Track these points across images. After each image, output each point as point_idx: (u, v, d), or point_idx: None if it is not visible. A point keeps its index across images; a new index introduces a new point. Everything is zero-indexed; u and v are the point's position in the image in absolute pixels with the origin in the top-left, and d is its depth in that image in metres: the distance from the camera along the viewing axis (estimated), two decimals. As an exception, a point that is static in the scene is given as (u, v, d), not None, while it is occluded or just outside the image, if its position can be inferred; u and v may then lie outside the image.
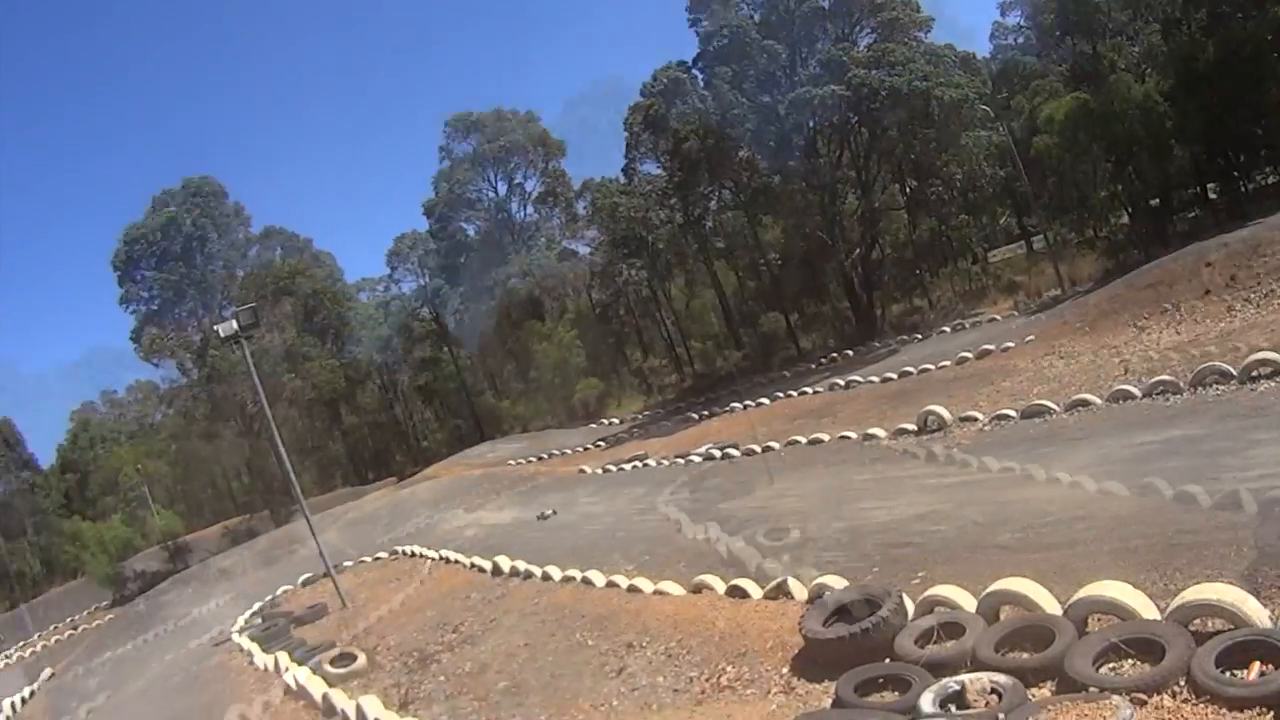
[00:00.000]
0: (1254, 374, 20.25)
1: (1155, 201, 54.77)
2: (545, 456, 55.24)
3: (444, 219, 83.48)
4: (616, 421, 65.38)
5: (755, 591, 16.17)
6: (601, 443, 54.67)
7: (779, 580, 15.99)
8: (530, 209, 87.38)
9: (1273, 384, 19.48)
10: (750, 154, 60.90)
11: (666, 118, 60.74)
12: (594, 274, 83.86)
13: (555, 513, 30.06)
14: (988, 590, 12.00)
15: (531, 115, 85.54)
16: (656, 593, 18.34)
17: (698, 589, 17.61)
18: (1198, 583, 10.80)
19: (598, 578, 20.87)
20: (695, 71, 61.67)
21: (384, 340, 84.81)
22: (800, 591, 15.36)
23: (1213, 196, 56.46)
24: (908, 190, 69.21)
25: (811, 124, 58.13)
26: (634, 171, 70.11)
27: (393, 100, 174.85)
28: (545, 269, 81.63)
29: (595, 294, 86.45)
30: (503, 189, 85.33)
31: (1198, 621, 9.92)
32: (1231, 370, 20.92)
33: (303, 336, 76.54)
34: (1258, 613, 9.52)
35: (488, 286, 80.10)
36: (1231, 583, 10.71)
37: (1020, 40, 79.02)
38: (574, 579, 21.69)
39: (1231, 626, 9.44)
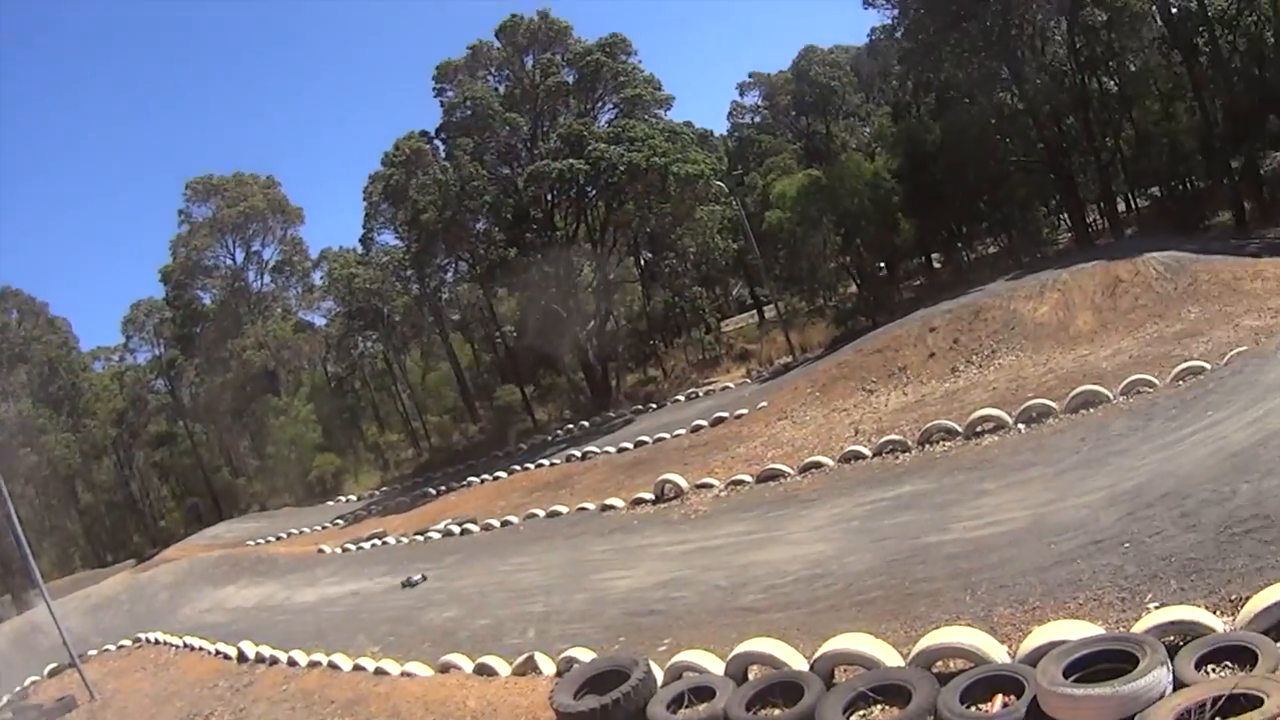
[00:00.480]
0: (978, 429, 21.47)
1: (883, 271, 57.97)
2: (284, 536, 53.11)
3: (180, 286, 79.70)
4: (354, 499, 63.55)
5: (503, 668, 15.91)
6: (340, 521, 53.19)
7: (527, 655, 15.78)
8: (267, 278, 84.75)
9: (996, 438, 20.68)
10: (488, 226, 60.97)
11: (406, 188, 60.16)
12: (330, 346, 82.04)
13: (425, 578, 28.11)
14: (734, 652, 12.13)
15: (271, 180, 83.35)
16: (404, 674, 17.76)
17: (445, 668, 17.17)
18: (937, 627, 11.38)
19: (344, 661, 20.09)
20: (437, 142, 61.36)
21: (119, 413, 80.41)
22: (549, 665, 15.22)
23: (937, 266, 60.22)
24: (642, 262, 70.79)
25: (550, 197, 58.74)
26: (371, 242, 69.32)
27: (135, 158, 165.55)
28: (281, 340, 78.97)
29: (331, 367, 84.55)
30: (240, 256, 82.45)
31: (940, 663, 10.35)
32: (957, 427, 22.06)
33: (37, 408, 71.90)
34: (996, 650, 10.01)
35: (223, 358, 76.88)
36: (969, 624, 11.32)
37: (757, 119, 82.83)
38: (320, 663, 20.80)
39: (972, 665, 9.87)
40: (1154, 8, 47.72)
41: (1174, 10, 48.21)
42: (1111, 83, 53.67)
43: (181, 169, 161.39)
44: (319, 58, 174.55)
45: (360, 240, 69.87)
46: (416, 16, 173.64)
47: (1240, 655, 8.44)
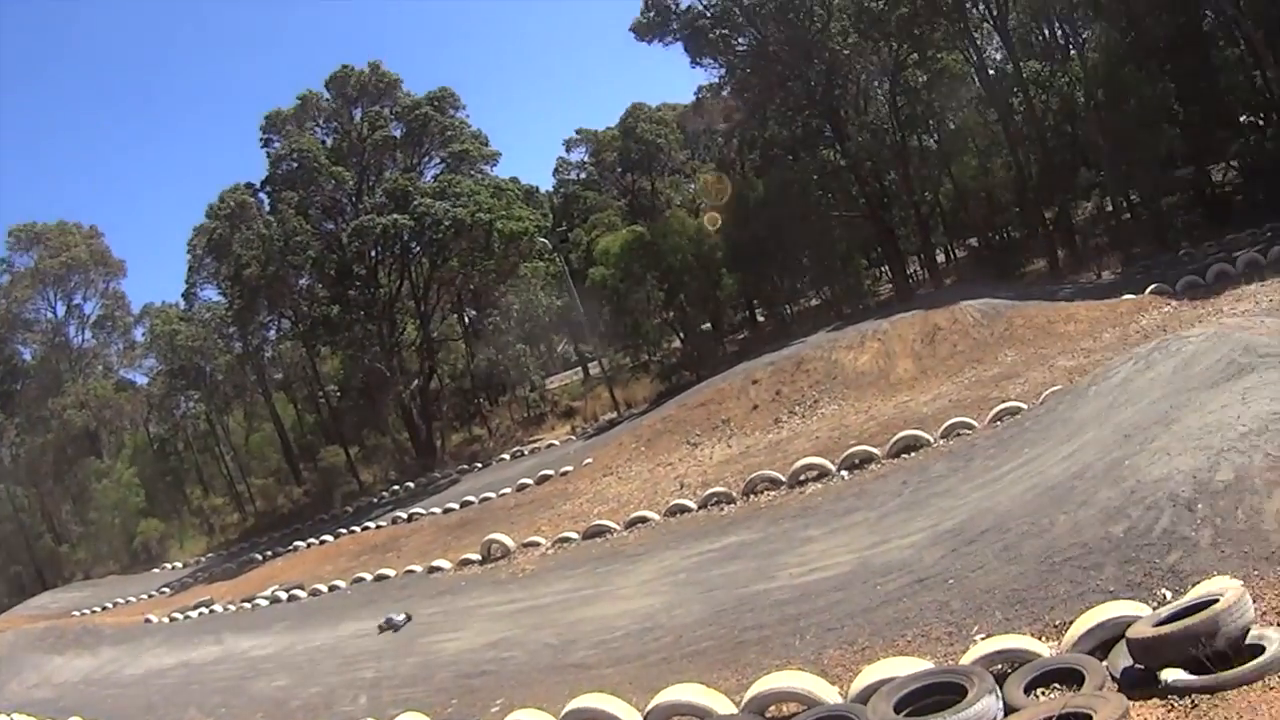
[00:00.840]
0: (801, 478, 21.93)
1: (707, 325, 58.76)
2: (110, 605, 51.12)
3: (1, 340, 76.19)
4: (180, 565, 61.23)
5: (336, 736, 15.51)
6: (166, 589, 51.25)
7: (359, 723, 15.40)
8: (88, 333, 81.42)
9: (819, 485, 21.15)
10: (311, 282, 59.86)
11: (230, 242, 58.53)
12: (152, 406, 79.10)
13: (409, 617, 25.16)
14: (566, 709, 12.00)
15: (94, 230, 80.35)
16: (236, 747, 17.21)
17: (278, 739, 16.66)
18: (768, 673, 11.37)
19: (175, 735, 19.35)
20: (262, 194, 59.97)
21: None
22: (382, 732, 14.88)
23: (761, 319, 61.34)
24: (466, 320, 70.43)
25: (374, 253, 57.90)
26: (194, 297, 67.63)
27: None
28: (103, 400, 75.77)
29: (153, 428, 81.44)
30: (61, 310, 79.06)
31: (773, 708, 10.40)
32: (781, 477, 22.50)
33: None
34: (827, 691, 10.07)
35: (44, 417, 73.38)
36: (800, 668, 11.43)
37: (582, 176, 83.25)
38: (152, 738, 19.99)
39: (805, 708, 9.90)
40: (972, 70, 50.10)
41: (991, 72, 51.00)
42: (931, 140, 56.15)
43: (4, 215, 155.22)
44: (148, 102, 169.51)
45: (183, 295, 68.71)
46: (250, 63, 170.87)
47: (1068, 677, 8.72)
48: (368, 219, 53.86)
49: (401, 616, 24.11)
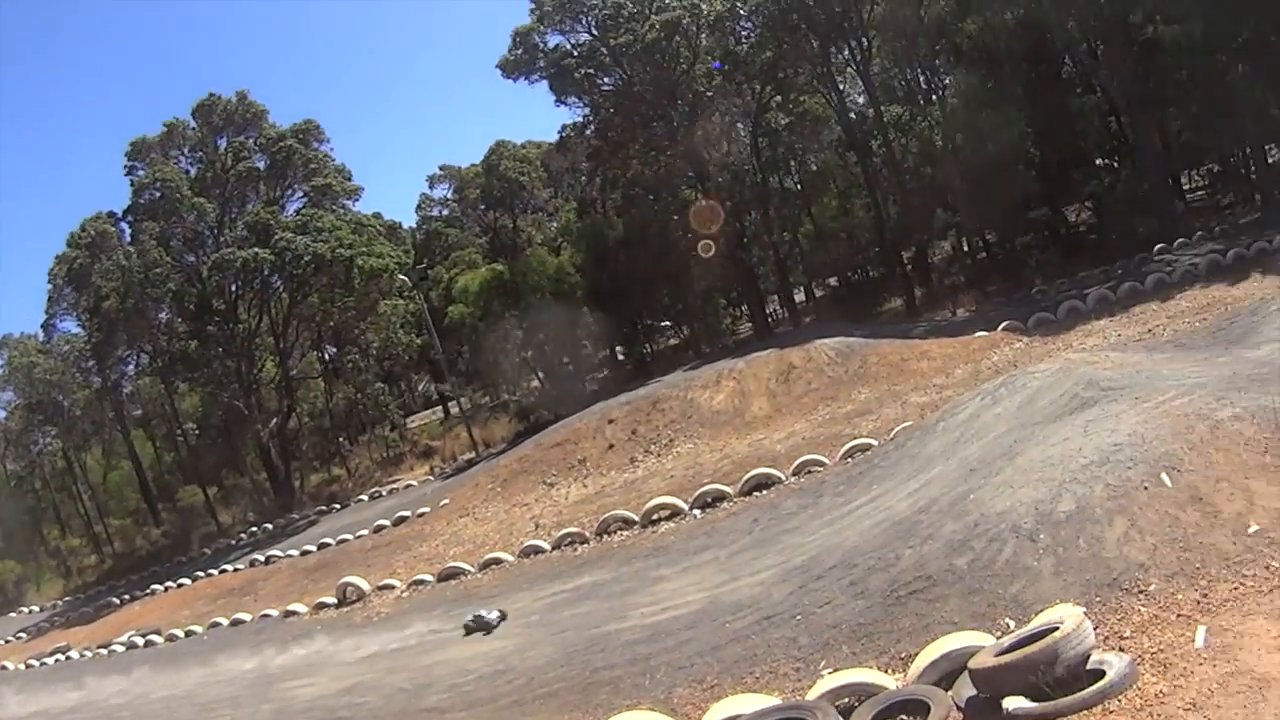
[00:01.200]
0: (654, 517, 22.16)
1: (566, 365, 58.67)
2: None
3: None
4: (37, 609, 59.00)
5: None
6: (22, 634, 49.43)
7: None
8: None
9: (672, 525, 21.36)
10: (170, 316, 58.28)
11: (90, 272, 56.78)
12: (8, 442, 76.05)
13: (504, 615, 20.34)
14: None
15: None
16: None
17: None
18: (618, 713, 11.36)
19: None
20: (124, 224, 58.54)
21: None
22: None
23: (621, 358, 61.62)
24: (326, 357, 69.38)
25: (234, 287, 56.64)
26: (53, 329, 65.68)
27: None
28: None
29: (10, 465, 78.25)
30: None
31: (622, 747, 10.20)
32: (634, 516, 22.72)
33: None
34: (675, 730, 9.94)
35: None
36: (650, 708, 11.41)
37: (445, 212, 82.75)
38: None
39: (655, 746, 9.77)
40: (834, 113, 51.18)
41: (852, 115, 52.11)
42: (792, 181, 57.17)
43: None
44: (9, 121, 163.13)
45: (42, 327, 66.70)
46: (118, 84, 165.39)
47: (914, 708, 8.82)
48: (228, 252, 52.93)
49: (494, 614, 20.00)
